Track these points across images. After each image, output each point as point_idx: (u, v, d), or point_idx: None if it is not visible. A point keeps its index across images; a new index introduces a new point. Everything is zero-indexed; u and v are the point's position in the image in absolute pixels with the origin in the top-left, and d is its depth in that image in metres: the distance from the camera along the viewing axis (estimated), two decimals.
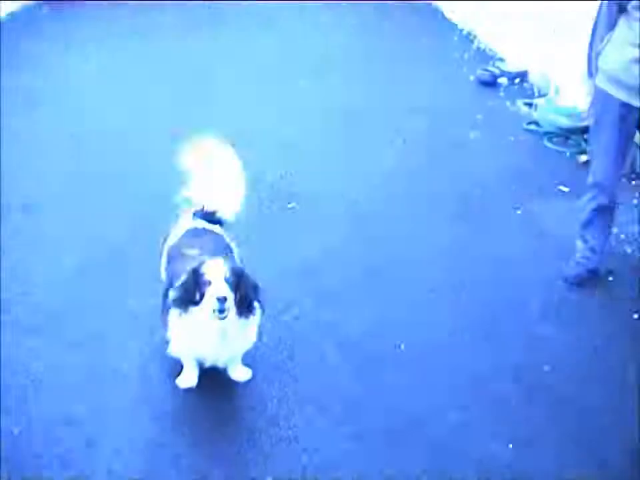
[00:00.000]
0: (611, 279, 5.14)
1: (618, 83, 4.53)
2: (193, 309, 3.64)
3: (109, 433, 3.70)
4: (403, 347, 4.37)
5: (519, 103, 8.47)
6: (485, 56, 10.32)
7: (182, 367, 4.00)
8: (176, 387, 3.98)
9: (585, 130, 7.33)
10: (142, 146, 6.93)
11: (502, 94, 8.90)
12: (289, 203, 6.01)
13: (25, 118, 7.58)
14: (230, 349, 3.82)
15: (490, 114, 8.20)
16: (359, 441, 3.73)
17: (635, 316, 4.75)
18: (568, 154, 7.13)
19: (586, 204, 5.00)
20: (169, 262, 4.08)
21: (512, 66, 9.54)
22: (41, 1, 11.83)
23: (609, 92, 4.59)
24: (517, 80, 9.35)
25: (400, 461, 3.62)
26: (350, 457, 3.63)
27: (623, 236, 5.67)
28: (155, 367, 4.13)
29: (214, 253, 3.82)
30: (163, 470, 3.53)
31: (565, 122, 7.53)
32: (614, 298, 4.96)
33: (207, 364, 3.91)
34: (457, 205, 6.11)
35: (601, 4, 4.60)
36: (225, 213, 4.30)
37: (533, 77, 9.25)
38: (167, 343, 3.89)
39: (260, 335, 4.05)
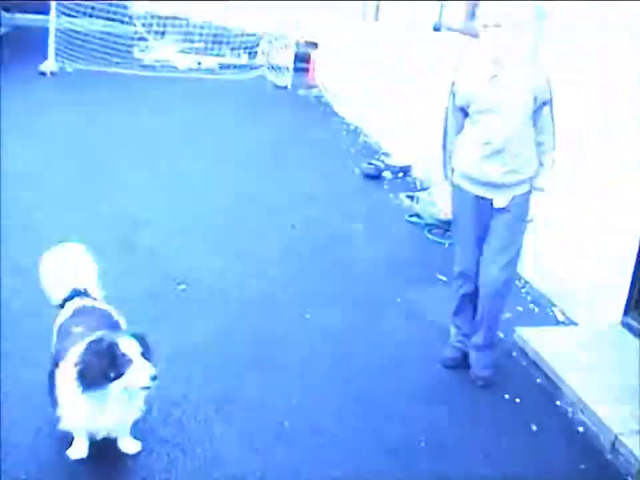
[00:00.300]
0: None
1: (470, 179, 4.93)
2: (106, 387, 3.69)
3: None
4: (287, 424, 4.54)
5: (402, 196, 8.89)
6: (371, 150, 10.82)
7: (72, 439, 4.07)
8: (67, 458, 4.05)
9: None
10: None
11: (386, 187, 9.35)
12: (179, 285, 6.17)
13: None
14: (123, 417, 3.92)
15: (374, 206, 8.59)
16: None
17: (506, 396, 5.06)
18: (446, 244, 7.50)
19: (455, 292, 5.30)
20: (58, 339, 4.14)
21: (396, 160, 10.03)
22: None
23: (464, 187, 4.98)
24: (401, 174, 9.84)
25: None
26: None
27: None
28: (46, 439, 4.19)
29: (103, 329, 3.90)
30: None
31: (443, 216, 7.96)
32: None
33: (99, 435, 3.99)
34: (341, 292, 6.36)
35: (447, 110, 4.99)
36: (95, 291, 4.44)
37: (416, 171, 9.74)
38: (56, 418, 3.95)
39: (150, 409, 4.20)
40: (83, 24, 15.55)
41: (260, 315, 5.84)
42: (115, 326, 4.17)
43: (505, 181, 4.83)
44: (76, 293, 4.31)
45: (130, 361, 3.70)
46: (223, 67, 16.75)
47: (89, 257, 4.50)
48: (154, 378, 3.71)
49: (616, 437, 4.45)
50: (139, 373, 3.70)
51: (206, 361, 5.12)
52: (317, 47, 16.15)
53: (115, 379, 3.69)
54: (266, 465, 4.17)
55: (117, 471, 4.06)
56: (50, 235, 6.14)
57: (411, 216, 8.27)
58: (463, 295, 5.25)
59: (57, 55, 14.62)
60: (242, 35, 17.21)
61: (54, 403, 3.92)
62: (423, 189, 8.90)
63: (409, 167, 9.92)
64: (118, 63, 15.38)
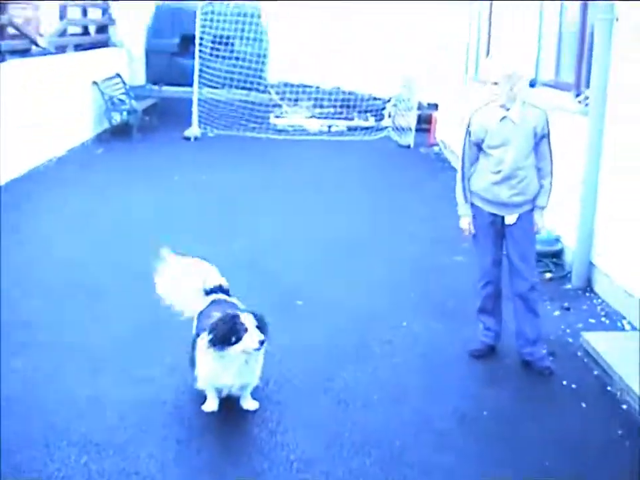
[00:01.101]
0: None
1: (484, 200, 6.06)
2: (229, 348, 4.97)
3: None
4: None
5: None
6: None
7: (205, 397, 5.34)
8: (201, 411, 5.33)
9: (555, 254, 8.79)
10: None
11: None
12: (297, 301, 7.41)
13: (73, 231, 9.27)
14: (242, 377, 5.17)
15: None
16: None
17: (564, 382, 5.97)
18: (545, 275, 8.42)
19: (479, 293, 6.37)
20: (198, 321, 5.44)
21: None
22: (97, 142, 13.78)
23: (480, 206, 6.10)
24: None
25: None
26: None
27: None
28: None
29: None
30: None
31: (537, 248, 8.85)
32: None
33: (224, 393, 5.27)
34: (433, 308, 7.41)
35: (463, 145, 6.14)
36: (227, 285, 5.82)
37: None
38: (194, 379, 5.26)
39: (268, 382, 5.47)
40: (223, 94, 17.23)
41: (364, 324, 6.96)
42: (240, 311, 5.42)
43: (512, 201, 5.95)
44: (212, 290, 5.66)
45: (246, 329, 4.98)
46: (351, 129, 18.07)
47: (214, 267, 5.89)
48: (262, 342, 4.97)
49: None
50: (252, 338, 4.96)
51: (316, 356, 6.30)
52: (437, 108, 17.31)
53: (235, 342, 4.96)
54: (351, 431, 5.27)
55: (238, 423, 5.28)
56: None
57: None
58: (485, 296, 6.32)
59: (200, 121, 16.32)
60: (369, 99, 18.54)
61: (192, 365, 5.30)
62: None
63: None
64: (254, 128, 17.00)
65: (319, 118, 18.38)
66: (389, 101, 18.36)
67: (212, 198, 11.21)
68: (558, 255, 8.83)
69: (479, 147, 6.04)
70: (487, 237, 6.16)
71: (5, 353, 6.03)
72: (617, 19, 7.48)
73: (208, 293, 5.65)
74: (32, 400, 5.43)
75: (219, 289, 5.71)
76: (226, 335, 4.97)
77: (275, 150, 15.48)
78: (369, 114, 18.57)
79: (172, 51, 18.37)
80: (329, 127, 18.15)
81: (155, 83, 18.18)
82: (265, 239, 9.40)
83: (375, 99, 18.66)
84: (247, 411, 5.37)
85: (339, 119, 18.43)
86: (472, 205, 6.14)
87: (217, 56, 17.39)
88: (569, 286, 8.10)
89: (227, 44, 17.70)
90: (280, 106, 18.49)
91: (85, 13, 17.40)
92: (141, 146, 15.05)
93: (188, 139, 15.95)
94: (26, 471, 4.64)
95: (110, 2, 18.42)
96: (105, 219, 9.96)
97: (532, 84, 10.51)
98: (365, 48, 18.13)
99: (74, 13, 16.49)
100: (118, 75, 17.00)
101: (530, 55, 10.54)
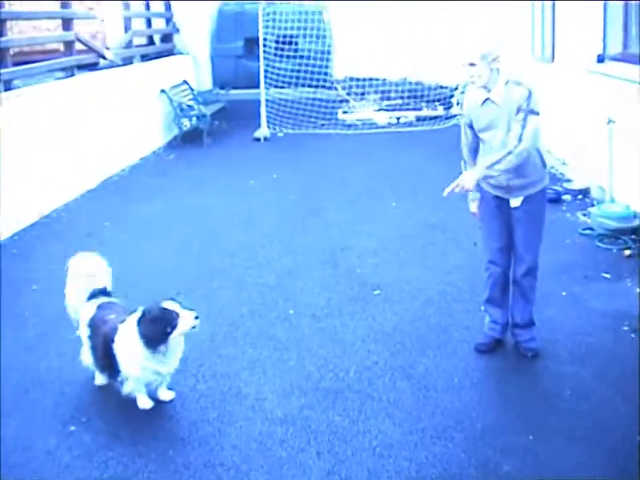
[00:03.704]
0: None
1: (489, 184, 5.84)
2: (168, 339, 5.06)
3: None
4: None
5: (578, 214, 9.71)
6: (554, 178, 11.61)
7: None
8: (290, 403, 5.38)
9: (634, 230, 8.61)
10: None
11: (564, 208, 10.15)
12: (374, 290, 7.41)
13: (152, 238, 9.40)
14: (175, 362, 5.32)
15: (550, 224, 9.39)
16: None
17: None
18: (614, 250, 8.28)
19: (486, 282, 6.17)
20: (91, 330, 5.48)
21: (577, 185, 10.83)
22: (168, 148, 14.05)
23: (486, 189, 5.91)
24: (580, 196, 10.61)
25: None
26: None
27: None
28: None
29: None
30: None
31: (614, 224, 8.72)
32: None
33: (154, 385, 5.40)
34: None
35: (461, 130, 5.98)
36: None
37: (594, 192, 10.48)
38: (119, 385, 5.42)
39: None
40: (289, 93, 17.32)
41: (439, 310, 6.94)
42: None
43: (513, 184, 5.70)
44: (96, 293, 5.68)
45: (177, 314, 5.03)
46: (419, 119, 17.96)
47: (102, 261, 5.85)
48: (196, 317, 5.05)
49: None
50: (187, 318, 5.03)
51: (391, 342, 6.31)
52: None
53: (171, 331, 5.02)
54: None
55: (319, 411, 5.35)
56: (269, 257, 7.78)
57: (584, 229, 9.07)
58: (492, 283, 6.10)
59: (268, 122, 16.43)
60: (436, 88, 18.43)
61: (115, 373, 5.34)
62: (598, 204, 9.64)
63: (588, 189, 10.68)
64: (323, 125, 17.05)
65: (387, 110, 18.30)
66: (456, 88, 18.20)
67: (285, 197, 11.25)
68: (636, 231, 8.65)
69: (473, 129, 5.86)
70: (493, 221, 5.97)
71: None
72: None
73: (91, 297, 5.64)
74: None
75: (104, 292, 5.71)
76: (161, 329, 5.00)
77: (344, 145, 15.45)
78: (437, 103, 18.43)
79: (237, 54, 18.49)
80: (398, 118, 18.05)
81: (222, 87, 18.31)
82: (340, 232, 9.42)
83: (442, 87, 18.53)
84: (328, 400, 5.41)
85: (407, 110, 18.31)
86: (480, 188, 5.96)
87: (282, 56, 17.50)
88: None
89: (290, 43, 17.78)
90: (347, 101, 18.50)
91: (149, 23, 17.66)
92: (212, 150, 15.20)
93: (258, 139, 16.05)
94: (111, 466, 4.76)
95: (173, 11, 18.66)
96: (185, 223, 10.11)
97: (600, 59, 10.34)
98: (430, 36, 18.03)
99: (138, 24, 16.74)
100: (185, 82, 17.20)
101: (596, 29, 10.39)
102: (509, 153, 5.43)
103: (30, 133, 10.11)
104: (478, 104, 5.70)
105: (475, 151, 5.97)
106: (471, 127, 5.87)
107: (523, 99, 5.45)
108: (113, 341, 5.20)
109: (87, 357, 5.58)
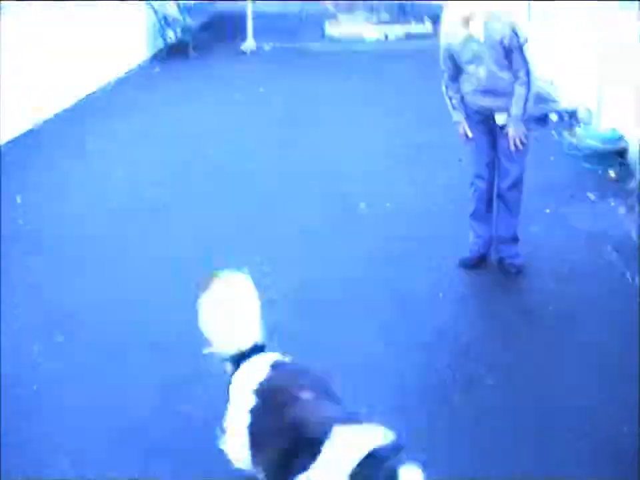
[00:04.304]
0: None
1: (474, 104, 5.93)
2: None
3: None
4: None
5: (565, 133, 9.70)
6: (540, 98, 11.53)
7: None
8: None
9: (619, 152, 8.63)
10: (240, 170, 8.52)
11: (550, 127, 10.11)
12: (360, 205, 7.49)
13: (139, 150, 9.42)
14: None
15: (537, 142, 9.39)
16: None
17: None
18: (600, 171, 8.31)
19: (472, 197, 6.23)
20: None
21: (564, 105, 10.79)
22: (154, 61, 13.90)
23: (472, 109, 5.98)
24: (566, 116, 10.57)
25: None
26: None
27: None
28: None
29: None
30: None
31: (599, 145, 8.72)
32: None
33: None
34: None
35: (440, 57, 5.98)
36: None
37: (581, 113, 10.45)
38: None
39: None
40: (277, 5, 17.05)
41: (425, 226, 7.03)
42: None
43: (498, 106, 5.80)
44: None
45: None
46: (409, 36, 17.70)
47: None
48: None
49: None
50: None
51: (376, 257, 6.42)
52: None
53: None
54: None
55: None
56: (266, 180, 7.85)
57: (570, 149, 9.07)
58: (478, 197, 6.18)
59: (254, 35, 16.19)
60: (425, 4, 18.14)
61: None
62: (585, 125, 9.62)
63: (575, 110, 10.63)
64: (310, 39, 16.81)
65: (375, 26, 18.04)
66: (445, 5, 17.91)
67: (272, 111, 11.14)
68: (622, 153, 8.66)
69: (453, 60, 5.88)
70: (482, 137, 6.04)
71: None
72: None
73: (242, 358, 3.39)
74: None
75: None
76: None
77: (331, 60, 15.23)
78: (426, 18, 18.15)
79: None
80: (386, 35, 17.81)
81: None
82: (327, 147, 9.38)
83: (431, 3, 18.25)
84: (311, 310, 5.52)
85: (396, 25, 18.04)
86: (465, 106, 6.02)
87: None
88: (633, 185, 7.93)
89: None
90: (335, 15, 18.23)
91: None
92: (198, 63, 14.97)
93: (244, 53, 15.86)
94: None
95: None
96: (169, 136, 10.05)
97: None
98: None
99: None
100: None
101: None
102: (527, 92, 5.68)
103: (12, 47, 9.88)
104: (459, 41, 5.74)
105: (455, 77, 5.99)
106: (450, 58, 5.88)
107: (508, 34, 5.56)
108: (321, 443, 2.85)
109: (238, 452, 3.27)
